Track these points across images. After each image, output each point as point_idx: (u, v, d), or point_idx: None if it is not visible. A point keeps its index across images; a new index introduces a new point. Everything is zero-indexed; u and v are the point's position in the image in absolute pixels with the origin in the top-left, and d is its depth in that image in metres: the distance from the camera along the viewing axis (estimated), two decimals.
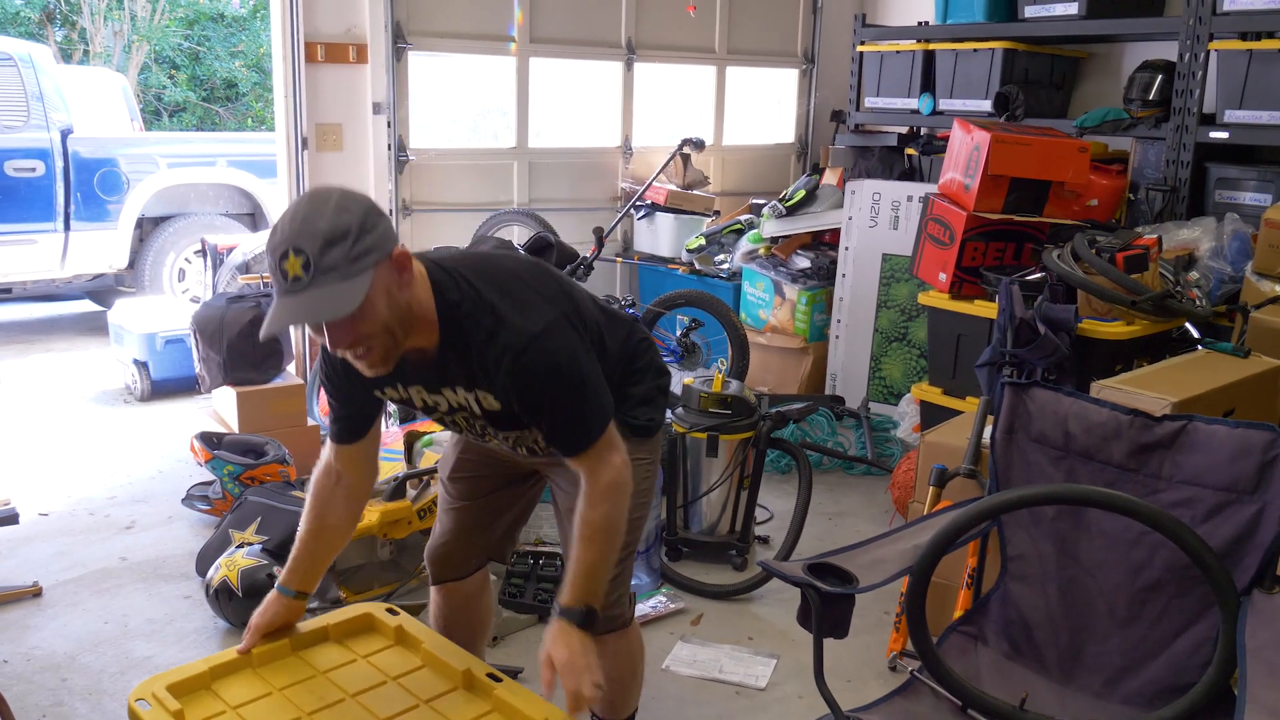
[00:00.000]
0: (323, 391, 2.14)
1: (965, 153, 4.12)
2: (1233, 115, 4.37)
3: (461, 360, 1.90)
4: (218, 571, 3.15)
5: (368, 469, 2.16)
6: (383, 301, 1.74)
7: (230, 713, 1.89)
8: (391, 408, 4.74)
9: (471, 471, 2.32)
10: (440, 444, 3.48)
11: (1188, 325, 3.83)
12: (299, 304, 1.68)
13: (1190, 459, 2.05)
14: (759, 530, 3.88)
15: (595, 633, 1.93)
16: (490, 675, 1.97)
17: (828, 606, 1.92)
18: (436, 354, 1.90)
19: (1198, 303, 3.92)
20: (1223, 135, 4.43)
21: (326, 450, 2.13)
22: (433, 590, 2.41)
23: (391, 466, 3.50)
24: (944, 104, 5.53)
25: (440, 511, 2.39)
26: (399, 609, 2.22)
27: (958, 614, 2.76)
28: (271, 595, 2.12)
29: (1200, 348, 3.56)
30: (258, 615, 2.10)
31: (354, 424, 2.09)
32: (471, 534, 2.36)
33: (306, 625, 2.14)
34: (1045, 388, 2.24)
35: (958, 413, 3.92)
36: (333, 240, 1.67)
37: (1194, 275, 4.10)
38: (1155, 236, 3.93)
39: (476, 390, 1.94)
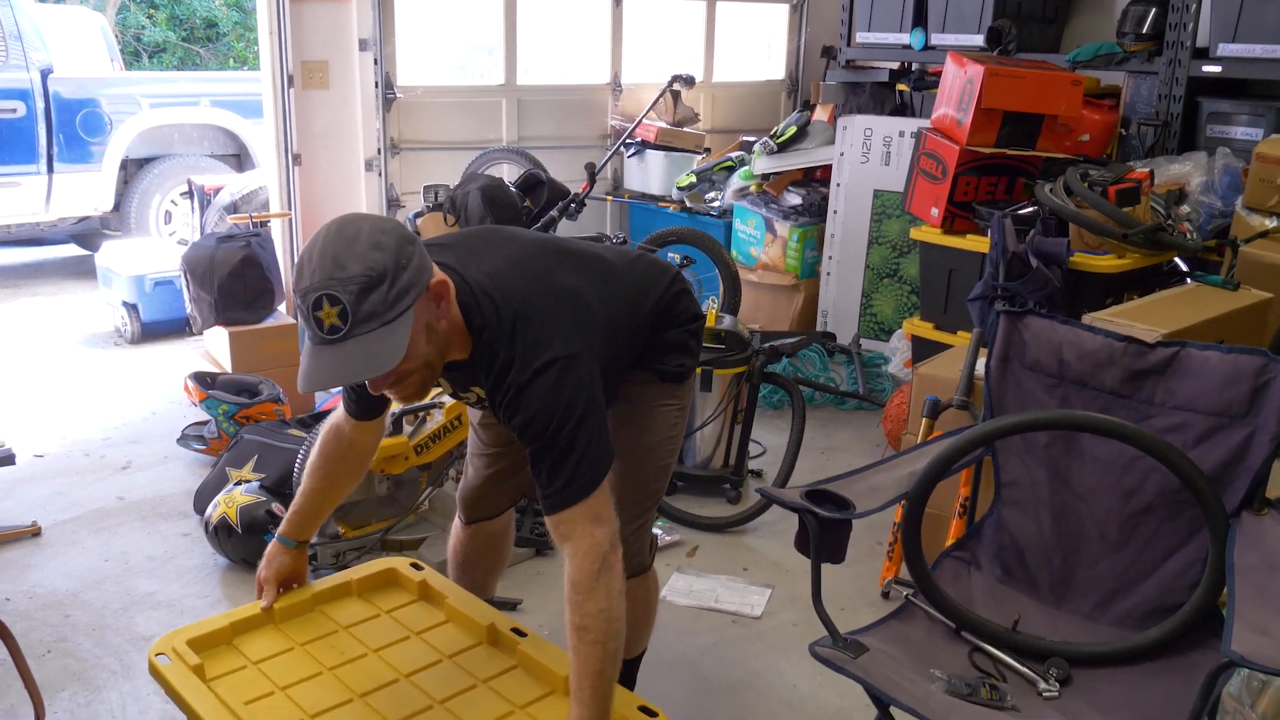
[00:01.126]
0: None
1: (958, 87, 4.10)
2: (1226, 49, 4.35)
3: (487, 367, 1.82)
4: (216, 509, 3.17)
5: (377, 433, 2.13)
6: (422, 339, 1.69)
7: (251, 668, 1.91)
8: None
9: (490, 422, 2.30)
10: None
11: (1177, 259, 3.85)
12: (339, 359, 1.60)
13: (1182, 385, 2.07)
14: (752, 464, 3.92)
15: None
16: (515, 630, 1.97)
17: (826, 532, 1.94)
18: (468, 363, 1.84)
19: (1188, 237, 3.93)
20: (1215, 69, 4.41)
21: (338, 413, 2.09)
22: (461, 528, 2.39)
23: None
24: (936, 39, 5.48)
25: (471, 456, 2.36)
26: (423, 564, 2.23)
27: (950, 542, 2.81)
28: (275, 547, 2.12)
29: (1190, 281, 3.58)
30: (265, 569, 2.09)
31: (370, 404, 2.04)
32: (505, 476, 2.34)
33: (329, 580, 2.15)
34: (1040, 316, 2.26)
35: (949, 347, 3.94)
36: (369, 286, 1.58)
37: (1185, 209, 4.11)
38: (1147, 171, 3.93)
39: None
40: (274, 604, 2.06)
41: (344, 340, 1.60)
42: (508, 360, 1.76)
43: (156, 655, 1.89)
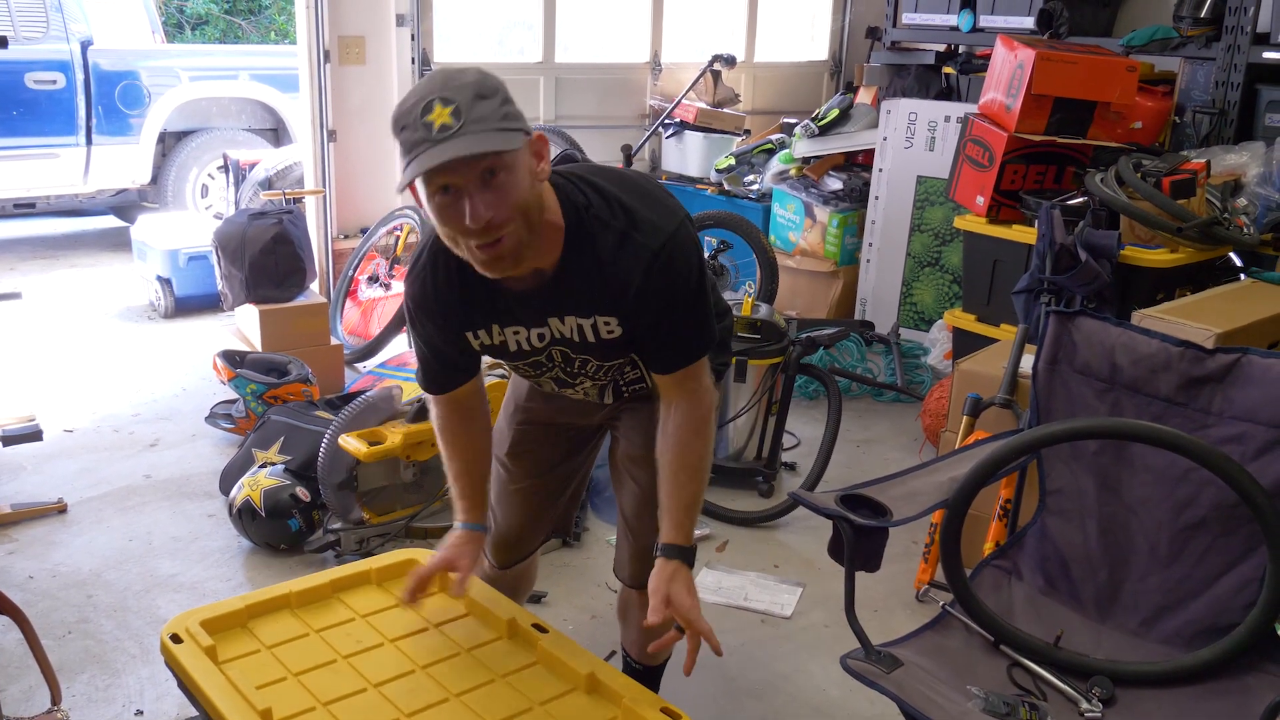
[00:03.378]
0: (413, 332, 1.95)
1: (1008, 71, 3.97)
2: None
3: (585, 278, 1.73)
4: (241, 491, 3.13)
5: (476, 398, 2.01)
6: (527, 180, 1.59)
7: (264, 652, 1.86)
8: None
9: (534, 444, 2.15)
10: None
11: (1231, 255, 3.72)
12: (451, 148, 1.51)
13: (1243, 394, 1.97)
14: (786, 457, 3.84)
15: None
16: (536, 626, 1.91)
17: (861, 540, 1.87)
18: (553, 275, 1.73)
19: (1245, 231, 3.79)
20: (1276, 56, 4.24)
21: (431, 404, 2.01)
22: (491, 569, 2.25)
23: (414, 388, 3.46)
24: (984, 20, 5.32)
25: (498, 496, 2.18)
26: None
27: (989, 546, 2.72)
28: (461, 534, 1.97)
29: (1245, 277, 3.45)
30: (461, 558, 1.94)
31: (445, 375, 1.94)
32: (539, 515, 2.21)
33: (349, 568, 2.10)
34: (1092, 317, 2.15)
35: (991, 340, 3.84)
36: (483, 94, 1.55)
37: (1241, 202, 3.96)
38: (1203, 161, 3.79)
39: (596, 316, 1.77)
40: (465, 588, 1.96)
41: (458, 135, 1.52)
42: (625, 229, 1.70)
43: (169, 635, 1.85)
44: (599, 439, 2.22)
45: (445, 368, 1.93)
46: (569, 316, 1.79)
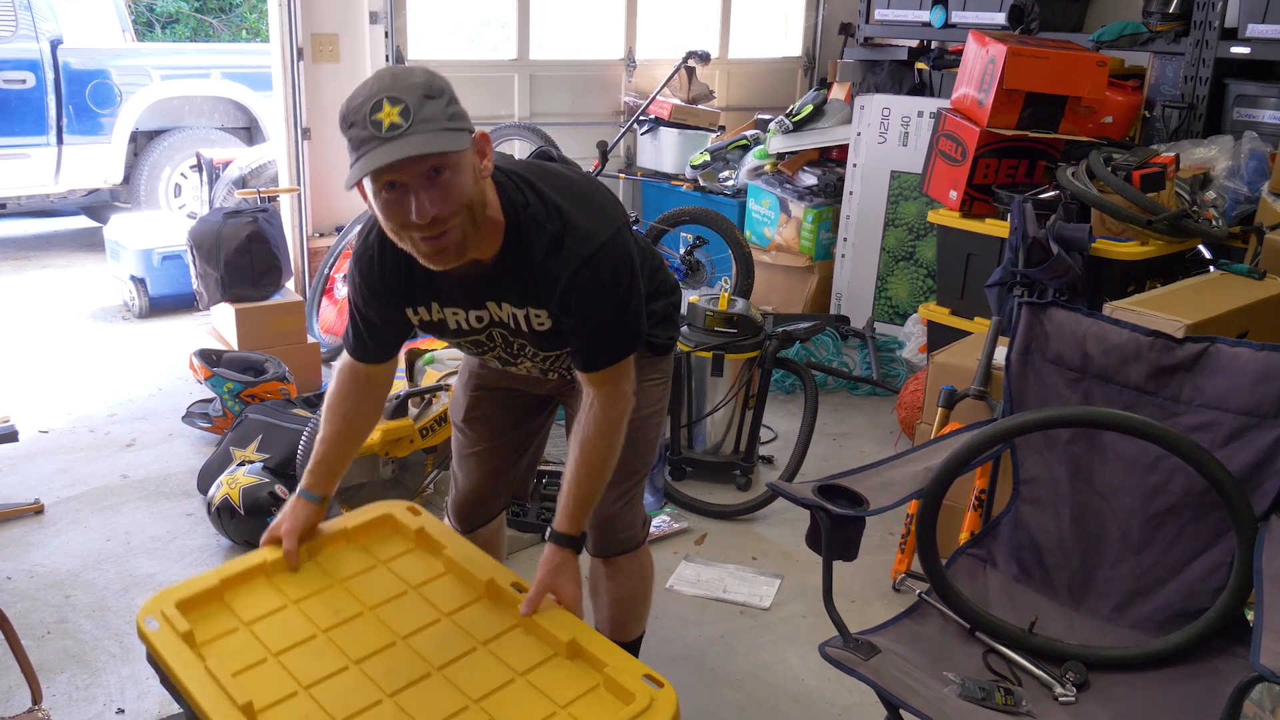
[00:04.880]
0: (346, 303, 2.03)
1: (980, 66, 4.01)
2: (1255, 29, 4.24)
3: (518, 273, 1.80)
4: (219, 489, 3.13)
5: (392, 370, 2.08)
6: (470, 177, 1.65)
7: (243, 630, 1.83)
8: None
9: (488, 409, 2.24)
10: (442, 361, 3.44)
11: (1200, 247, 3.77)
12: (398, 148, 1.56)
13: (1211, 382, 2.00)
14: (763, 450, 3.86)
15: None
16: (515, 585, 1.89)
17: (838, 529, 1.89)
18: (492, 265, 1.79)
19: (1214, 223, 3.85)
20: (1244, 50, 4.30)
21: (348, 358, 2.03)
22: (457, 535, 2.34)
23: (394, 384, 3.46)
24: (956, 16, 5.37)
25: (459, 460, 2.30)
26: (420, 509, 2.12)
27: (964, 535, 2.75)
28: (295, 501, 2.02)
29: (1213, 269, 3.50)
30: (288, 521, 1.98)
31: (373, 347, 1.99)
32: (497, 476, 2.30)
33: (324, 527, 2.04)
34: (1064, 308, 2.19)
35: (965, 333, 3.87)
36: (430, 94, 1.59)
37: (1210, 195, 4.02)
38: (1173, 155, 3.84)
39: (529, 308, 1.85)
40: (292, 554, 1.95)
41: (405, 135, 1.56)
42: (558, 233, 1.76)
43: (145, 619, 1.80)
44: (552, 408, 2.30)
45: (374, 340, 1.98)
46: (505, 304, 1.86)
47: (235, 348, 4.29)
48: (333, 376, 2.07)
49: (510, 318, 1.88)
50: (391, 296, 1.89)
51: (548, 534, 1.92)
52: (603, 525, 2.16)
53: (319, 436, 2.06)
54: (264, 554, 1.97)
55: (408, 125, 1.56)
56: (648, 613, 2.34)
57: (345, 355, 2.04)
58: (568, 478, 1.92)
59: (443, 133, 1.59)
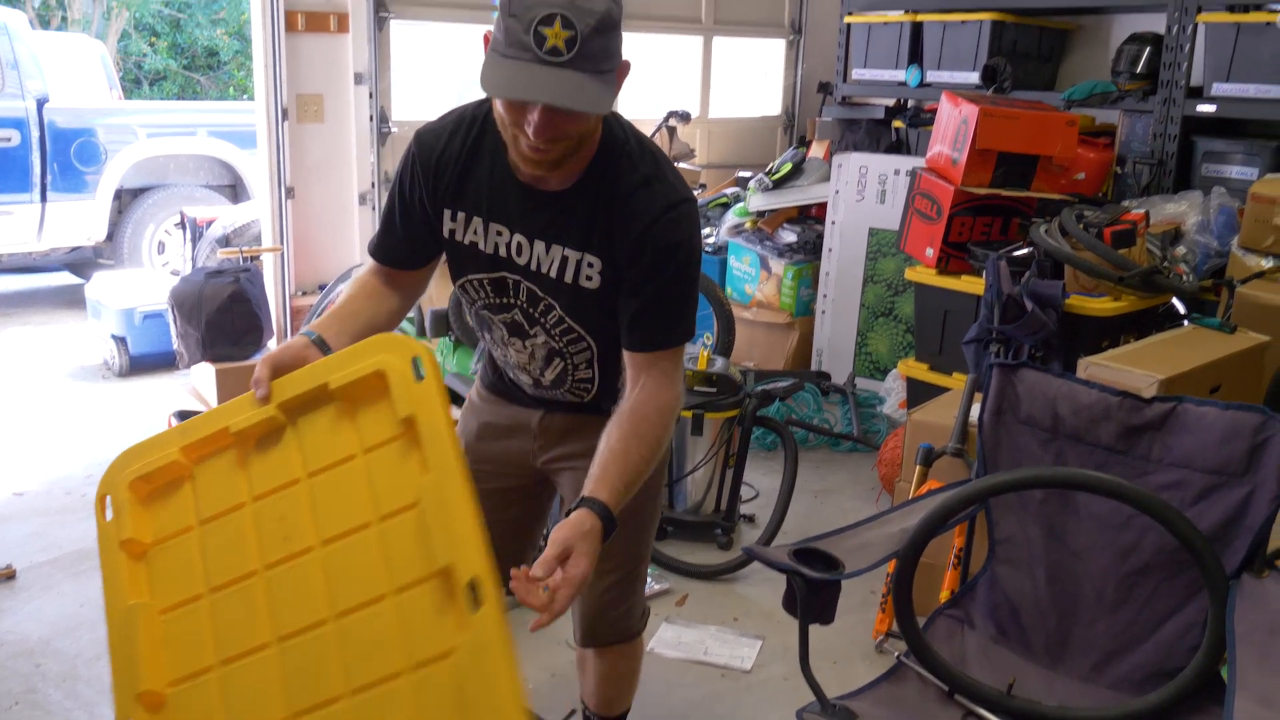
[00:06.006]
0: (390, 194, 1.84)
1: (953, 126, 4.08)
2: (1220, 88, 4.34)
3: (593, 206, 1.68)
4: None
5: (409, 291, 1.87)
6: (596, 115, 1.59)
7: (195, 533, 1.57)
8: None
9: (481, 486, 1.88)
10: None
11: (1174, 301, 3.81)
12: (549, 79, 1.46)
13: (1180, 441, 2.02)
14: (744, 509, 3.85)
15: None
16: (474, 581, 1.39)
17: (813, 593, 1.89)
18: (567, 192, 1.69)
19: (1184, 278, 3.90)
20: (1210, 108, 4.39)
21: (368, 266, 1.86)
22: None
23: None
24: (931, 76, 5.47)
25: None
26: (428, 354, 1.55)
27: (944, 593, 2.75)
28: (297, 338, 1.71)
29: (1187, 323, 3.54)
30: (275, 352, 1.68)
31: (400, 246, 1.82)
32: (497, 557, 2.10)
33: (306, 380, 1.59)
34: (1034, 369, 2.21)
35: (944, 389, 3.90)
36: (605, 27, 1.49)
37: (1181, 250, 4.08)
38: (1143, 211, 3.90)
39: (585, 253, 1.71)
40: (268, 396, 1.59)
41: (561, 66, 1.46)
42: (650, 174, 1.69)
43: (105, 497, 1.61)
44: (549, 493, 2.12)
45: (406, 233, 1.82)
46: (556, 245, 1.72)
47: (215, 408, 4.27)
48: (356, 273, 1.90)
49: (556, 264, 1.73)
50: (445, 182, 1.75)
51: (577, 501, 1.59)
52: (594, 614, 2.05)
53: (338, 302, 1.82)
54: (239, 408, 1.63)
55: (569, 55, 1.46)
56: (636, 688, 2.28)
57: (366, 262, 1.88)
58: (611, 451, 1.64)
59: (597, 79, 1.50)
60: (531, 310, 1.81)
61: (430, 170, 1.76)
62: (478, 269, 1.80)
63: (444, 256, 1.86)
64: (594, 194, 1.69)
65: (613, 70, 1.54)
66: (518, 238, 1.74)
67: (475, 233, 1.77)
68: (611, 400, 1.82)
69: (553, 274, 1.74)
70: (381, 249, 1.85)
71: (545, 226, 1.72)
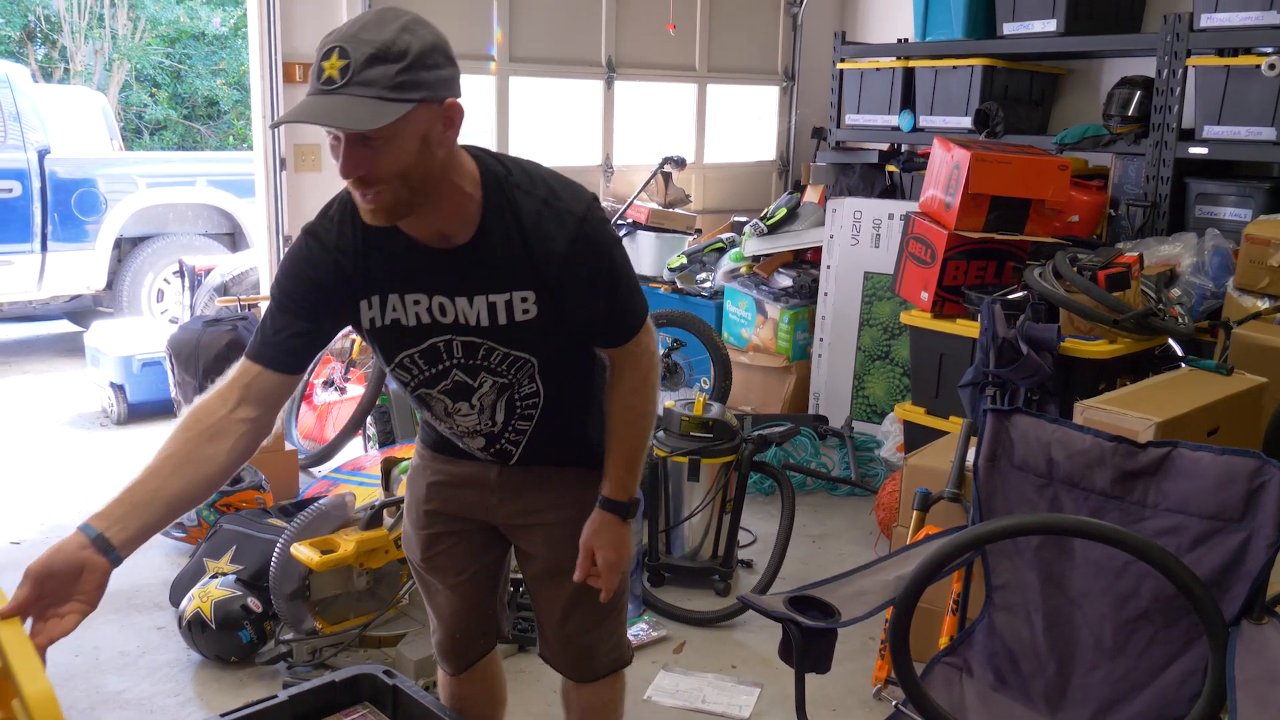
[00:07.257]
0: (274, 292, 1.74)
1: (945, 171, 4.11)
2: (1211, 131, 4.38)
3: (505, 247, 1.67)
4: (191, 602, 3.09)
5: (270, 416, 1.72)
6: (413, 146, 1.54)
7: None
8: (370, 430, 4.68)
9: (445, 544, 2.01)
10: None
11: (1170, 342, 3.82)
12: (320, 105, 1.50)
13: (1176, 486, 2.01)
14: (742, 554, 3.84)
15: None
16: None
17: (810, 642, 1.87)
18: (471, 244, 1.67)
19: (1180, 320, 3.91)
20: (1202, 151, 4.43)
21: (234, 372, 1.70)
22: (450, 681, 2.15)
23: (369, 493, 3.45)
24: (924, 121, 5.53)
25: (429, 600, 2.09)
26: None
27: (943, 640, 2.73)
28: (73, 535, 1.52)
29: (1183, 365, 3.55)
30: (41, 559, 1.50)
31: (285, 342, 1.69)
32: (477, 608, 2.09)
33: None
34: (1028, 414, 2.21)
35: (941, 432, 3.89)
36: (381, 57, 1.49)
37: (1175, 292, 4.10)
38: (1136, 254, 3.92)
39: (512, 291, 1.69)
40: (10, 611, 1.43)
41: (333, 93, 1.49)
42: (546, 196, 1.69)
43: None
44: (505, 548, 2.09)
45: (291, 339, 1.70)
46: (479, 296, 1.70)
47: None
48: (217, 384, 1.71)
49: (484, 313, 1.71)
50: (349, 271, 1.69)
51: (599, 501, 1.88)
52: (582, 655, 2.07)
53: (151, 464, 1.64)
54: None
55: (341, 83, 1.49)
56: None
57: (227, 375, 1.71)
58: (611, 444, 1.88)
59: (371, 101, 1.48)
60: (470, 361, 1.78)
61: (330, 264, 1.70)
62: (406, 345, 1.77)
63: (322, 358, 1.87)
64: (500, 233, 1.67)
65: (405, 101, 1.51)
66: (438, 299, 1.72)
67: (394, 310, 1.73)
68: (561, 419, 1.89)
69: (484, 322, 1.73)
70: (267, 348, 1.70)
71: (461, 282, 1.70)
